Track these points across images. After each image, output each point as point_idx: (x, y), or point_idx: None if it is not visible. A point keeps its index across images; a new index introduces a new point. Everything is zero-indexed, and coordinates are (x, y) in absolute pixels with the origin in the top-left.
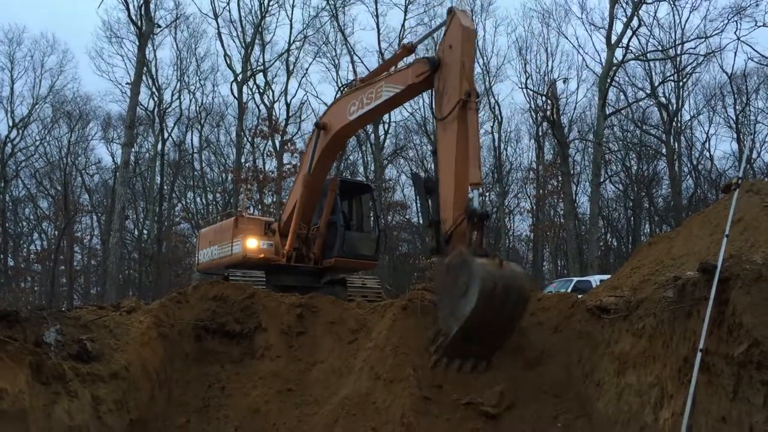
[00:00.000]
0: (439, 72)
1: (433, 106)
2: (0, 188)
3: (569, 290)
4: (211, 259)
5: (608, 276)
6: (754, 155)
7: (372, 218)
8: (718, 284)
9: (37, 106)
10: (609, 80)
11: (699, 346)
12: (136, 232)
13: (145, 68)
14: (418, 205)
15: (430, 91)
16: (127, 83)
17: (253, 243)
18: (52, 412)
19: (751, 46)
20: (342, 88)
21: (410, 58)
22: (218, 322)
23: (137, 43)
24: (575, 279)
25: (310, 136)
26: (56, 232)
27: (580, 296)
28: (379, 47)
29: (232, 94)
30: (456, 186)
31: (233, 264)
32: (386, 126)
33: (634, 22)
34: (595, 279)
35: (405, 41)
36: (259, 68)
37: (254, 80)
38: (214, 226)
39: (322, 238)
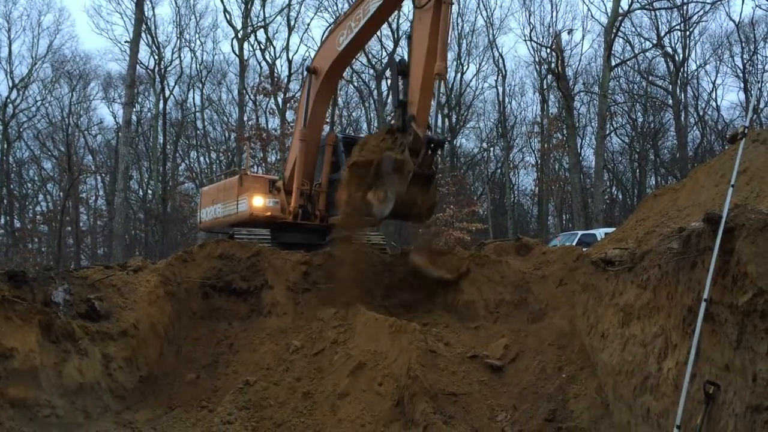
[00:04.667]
0: None
1: None
2: (3, 150)
3: (574, 243)
4: (215, 218)
5: (613, 229)
6: (761, 104)
7: None
8: (723, 234)
9: (36, 66)
10: (614, 31)
11: (703, 296)
12: (140, 192)
13: (144, 26)
14: (390, 86)
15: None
16: (126, 41)
17: (259, 201)
18: (63, 369)
19: None
20: (327, 29)
21: None
22: (225, 280)
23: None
24: (580, 232)
25: (301, 87)
26: (61, 194)
27: (585, 249)
28: None
29: (233, 51)
30: (424, 76)
31: (240, 222)
32: (389, 82)
33: None
34: (600, 232)
35: None
36: (259, 24)
37: (255, 37)
38: (217, 185)
39: (325, 194)
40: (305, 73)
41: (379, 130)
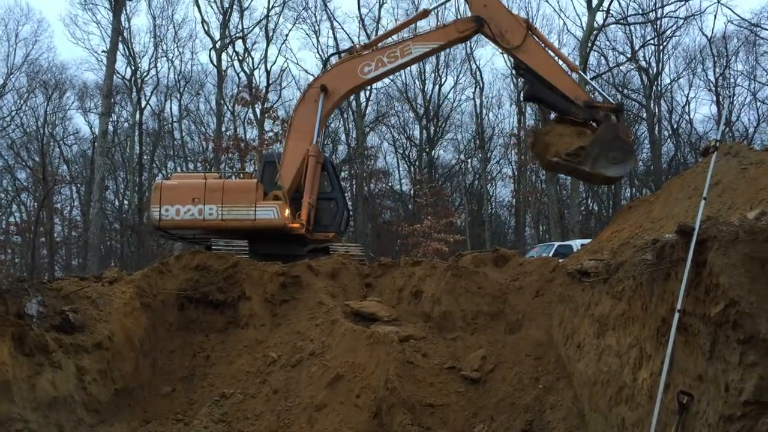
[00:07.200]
0: (486, 25)
1: (497, 42)
2: None
3: (551, 255)
4: (200, 219)
5: (589, 240)
6: (733, 118)
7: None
8: (695, 246)
9: (12, 76)
10: (590, 44)
11: (677, 306)
12: (116, 203)
13: (120, 36)
14: (548, 103)
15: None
16: (103, 51)
17: (287, 212)
18: (36, 383)
19: (731, 9)
20: (336, 54)
21: (424, 21)
22: (201, 291)
23: (112, 9)
24: (557, 244)
25: (301, 105)
26: (35, 204)
27: (561, 260)
28: (359, 13)
29: (211, 61)
30: (568, 77)
31: (268, 229)
32: (368, 93)
33: None
34: (576, 243)
35: (422, 6)
36: (237, 35)
37: (233, 47)
38: (202, 182)
39: (315, 210)
40: (287, 86)
41: (551, 127)
